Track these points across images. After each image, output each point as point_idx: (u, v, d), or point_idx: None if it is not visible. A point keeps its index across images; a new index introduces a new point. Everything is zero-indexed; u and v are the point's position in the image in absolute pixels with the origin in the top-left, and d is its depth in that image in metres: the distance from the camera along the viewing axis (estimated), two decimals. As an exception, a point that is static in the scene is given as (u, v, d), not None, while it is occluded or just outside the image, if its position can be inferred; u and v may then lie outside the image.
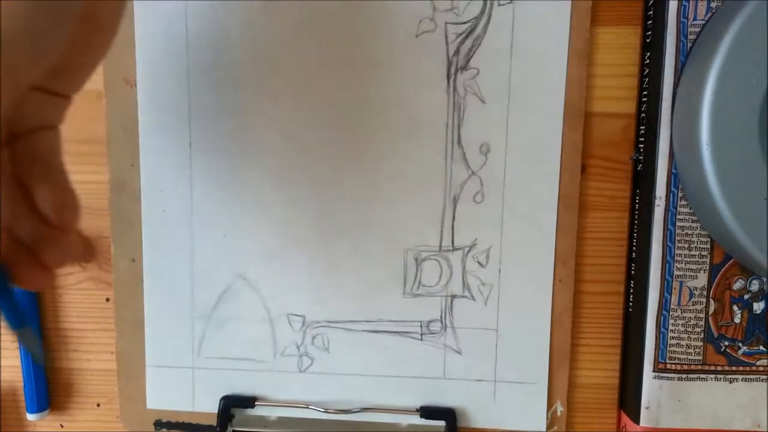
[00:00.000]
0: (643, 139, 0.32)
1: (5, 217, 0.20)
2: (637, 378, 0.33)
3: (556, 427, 0.34)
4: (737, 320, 0.32)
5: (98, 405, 0.37)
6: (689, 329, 0.32)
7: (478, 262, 0.33)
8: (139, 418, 0.36)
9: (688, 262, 0.32)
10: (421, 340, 0.34)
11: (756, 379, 0.33)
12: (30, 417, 0.36)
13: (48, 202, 0.22)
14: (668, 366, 0.33)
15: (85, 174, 0.34)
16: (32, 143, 0.23)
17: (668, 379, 0.33)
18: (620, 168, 0.33)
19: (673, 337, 0.32)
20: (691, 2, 0.30)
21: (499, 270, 0.33)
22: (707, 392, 0.33)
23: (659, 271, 0.32)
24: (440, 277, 0.33)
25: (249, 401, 0.35)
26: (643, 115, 0.32)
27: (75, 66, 0.23)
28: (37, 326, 0.36)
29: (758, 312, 0.32)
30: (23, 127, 0.22)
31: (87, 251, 0.25)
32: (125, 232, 0.34)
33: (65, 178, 0.24)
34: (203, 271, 0.34)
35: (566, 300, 0.33)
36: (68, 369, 0.37)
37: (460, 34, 0.31)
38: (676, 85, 0.30)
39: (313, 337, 0.34)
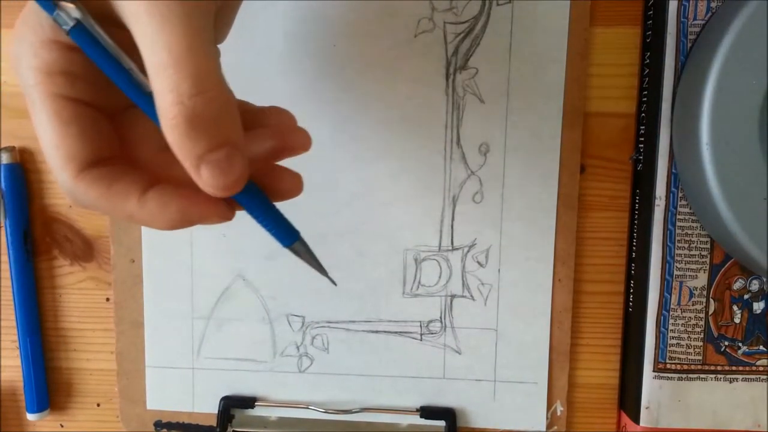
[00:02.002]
0: (643, 139, 0.32)
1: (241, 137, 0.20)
2: (637, 378, 0.33)
3: (556, 427, 0.34)
4: (737, 320, 0.32)
5: (98, 405, 0.37)
6: (689, 329, 0.32)
7: (478, 262, 0.33)
8: (139, 418, 0.36)
9: (688, 262, 0.32)
10: (421, 340, 0.34)
11: (756, 379, 0.33)
12: (30, 417, 0.36)
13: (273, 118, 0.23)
14: (668, 366, 0.33)
15: (84, 174, 0.34)
16: None
17: (668, 379, 0.33)
18: (620, 168, 0.33)
19: (673, 337, 0.32)
20: (691, 2, 0.30)
21: (499, 270, 0.33)
22: (707, 392, 0.33)
23: (659, 271, 0.32)
24: (440, 277, 0.33)
25: (249, 401, 0.35)
26: (643, 115, 0.32)
27: (225, 9, 0.22)
28: (37, 325, 0.36)
29: (758, 312, 0.32)
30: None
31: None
32: (125, 232, 0.34)
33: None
34: (203, 271, 0.34)
35: (566, 300, 0.33)
36: (68, 369, 0.37)
37: (459, 33, 0.31)
38: (676, 85, 0.30)
39: (313, 338, 0.34)
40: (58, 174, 0.20)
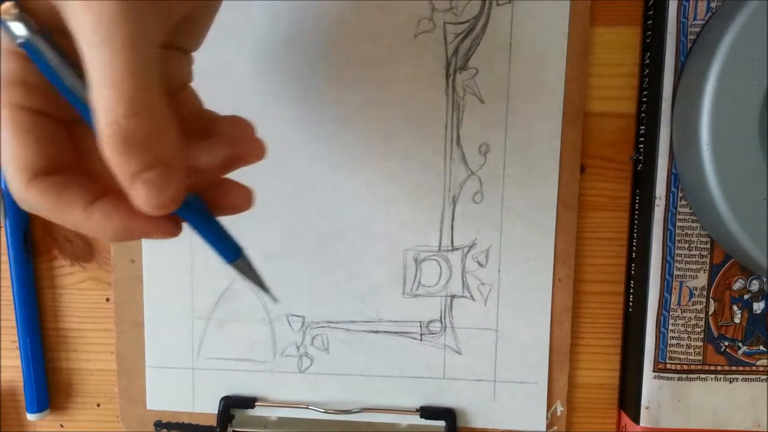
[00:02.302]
0: (643, 139, 0.32)
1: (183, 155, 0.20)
2: (637, 378, 0.33)
3: (556, 427, 0.34)
4: (737, 320, 0.32)
5: (98, 405, 0.37)
6: (689, 329, 0.32)
7: (478, 262, 0.33)
8: (139, 418, 0.36)
9: (688, 262, 0.32)
10: (421, 340, 0.34)
11: (756, 379, 0.33)
12: (30, 417, 0.36)
13: (228, 133, 0.23)
14: (668, 366, 0.33)
15: (84, 174, 0.34)
16: (181, 101, 0.24)
17: (668, 379, 0.33)
18: (620, 168, 0.33)
19: (673, 337, 0.32)
20: (691, 2, 0.30)
21: (499, 270, 0.33)
22: (707, 392, 0.33)
23: (659, 271, 0.32)
24: (440, 277, 0.33)
25: (249, 402, 0.35)
26: (643, 114, 0.32)
27: (195, 19, 0.23)
28: (37, 325, 0.36)
29: (758, 312, 0.32)
30: (169, 87, 0.22)
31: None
32: (125, 232, 0.34)
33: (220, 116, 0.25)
34: (203, 271, 0.34)
35: (566, 300, 0.33)
36: (68, 369, 0.37)
37: (459, 33, 0.31)
38: (676, 85, 0.30)
39: (313, 338, 0.34)
40: (11, 181, 0.20)
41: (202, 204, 0.22)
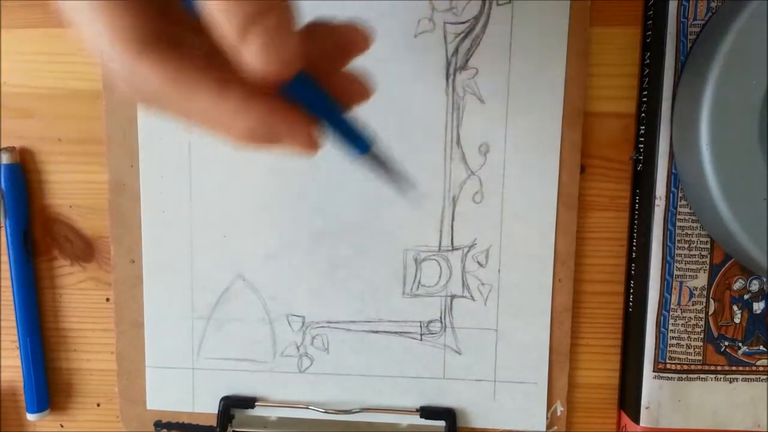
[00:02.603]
0: (643, 139, 0.32)
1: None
2: (637, 378, 0.33)
3: (556, 427, 0.34)
4: (737, 320, 0.32)
5: (98, 405, 0.37)
6: (689, 329, 0.32)
7: (478, 262, 0.33)
8: (139, 418, 0.36)
9: (688, 262, 0.32)
10: (421, 340, 0.34)
11: (756, 379, 0.33)
12: (30, 417, 0.36)
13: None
14: (668, 366, 0.33)
15: (85, 174, 0.34)
16: None
17: (668, 379, 0.33)
18: (620, 168, 0.33)
19: (673, 337, 0.32)
20: (691, 2, 0.30)
21: (499, 270, 0.33)
22: (707, 392, 0.33)
23: (659, 271, 0.32)
24: (440, 277, 0.33)
25: (249, 402, 0.35)
26: (643, 114, 0.32)
27: None
28: (37, 325, 0.36)
29: (758, 312, 0.32)
30: None
31: None
32: (125, 232, 0.34)
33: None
34: (203, 271, 0.34)
35: (566, 300, 0.33)
36: (68, 369, 0.37)
37: (459, 33, 0.31)
38: (676, 85, 0.30)
39: (313, 338, 0.34)
40: (119, 57, 0.17)
41: (322, 91, 0.20)
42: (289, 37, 0.17)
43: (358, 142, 0.22)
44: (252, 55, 0.16)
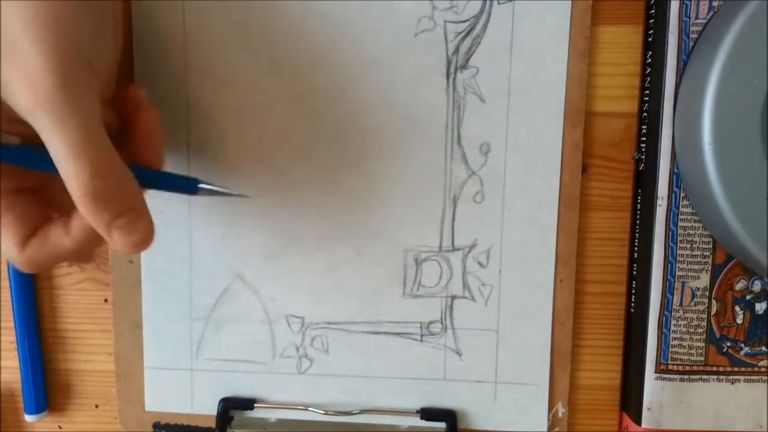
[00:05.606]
0: (644, 138, 0.32)
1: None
2: (638, 379, 0.33)
3: (557, 429, 0.34)
4: (739, 321, 0.32)
5: (96, 406, 0.37)
6: (691, 330, 0.32)
7: (479, 263, 0.33)
8: (138, 419, 0.35)
9: (690, 263, 0.32)
10: (421, 341, 0.34)
11: (758, 380, 0.33)
12: (28, 418, 0.36)
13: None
14: (670, 367, 0.33)
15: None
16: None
17: (670, 380, 0.33)
18: (622, 168, 0.33)
19: (675, 338, 0.32)
20: (692, 1, 0.29)
21: (500, 270, 0.33)
22: (709, 393, 0.33)
23: (661, 272, 0.32)
24: (440, 277, 0.33)
25: (248, 403, 0.35)
26: (644, 114, 0.32)
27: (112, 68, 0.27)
28: (35, 326, 0.35)
29: (760, 313, 0.32)
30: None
31: None
32: (123, 232, 0.34)
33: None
34: (202, 272, 0.34)
35: (567, 300, 0.33)
36: (66, 370, 0.37)
37: (460, 32, 0.31)
38: (677, 85, 0.30)
39: (313, 339, 0.34)
40: (8, 255, 0.25)
41: (144, 168, 0.26)
42: (141, 223, 0.24)
43: (187, 186, 0.28)
44: (117, 244, 0.24)
